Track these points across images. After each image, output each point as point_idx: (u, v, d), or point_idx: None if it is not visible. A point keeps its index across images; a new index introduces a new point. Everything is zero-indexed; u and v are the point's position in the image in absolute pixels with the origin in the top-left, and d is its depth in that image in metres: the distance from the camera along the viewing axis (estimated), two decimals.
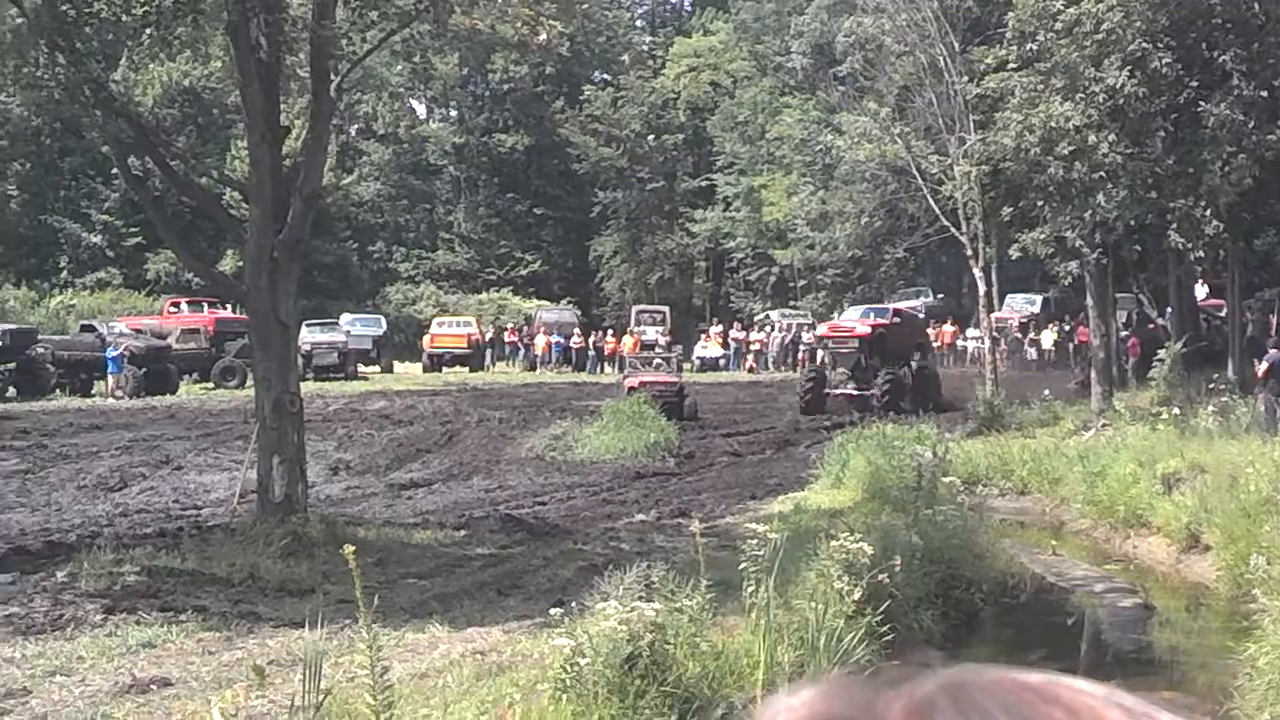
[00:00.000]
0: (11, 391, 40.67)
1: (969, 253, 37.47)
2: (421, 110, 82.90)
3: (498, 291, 73.30)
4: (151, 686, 10.30)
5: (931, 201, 39.01)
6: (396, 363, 58.73)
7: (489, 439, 31.43)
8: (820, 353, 43.71)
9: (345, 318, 56.92)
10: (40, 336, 44.64)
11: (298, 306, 19.49)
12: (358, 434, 32.14)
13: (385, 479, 25.82)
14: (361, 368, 53.60)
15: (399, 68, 24.16)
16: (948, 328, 55.00)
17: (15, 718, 9.47)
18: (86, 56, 18.58)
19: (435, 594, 14.37)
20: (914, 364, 40.56)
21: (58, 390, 42.55)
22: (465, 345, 58.84)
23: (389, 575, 14.84)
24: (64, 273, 65.80)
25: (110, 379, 42.75)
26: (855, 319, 43.13)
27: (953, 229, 37.85)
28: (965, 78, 36.80)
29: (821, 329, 45.40)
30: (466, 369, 56.67)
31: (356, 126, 75.65)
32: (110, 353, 42.99)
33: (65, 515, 20.41)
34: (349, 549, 8.23)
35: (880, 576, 12.16)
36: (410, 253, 77.04)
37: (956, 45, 37.79)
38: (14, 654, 11.35)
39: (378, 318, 61.08)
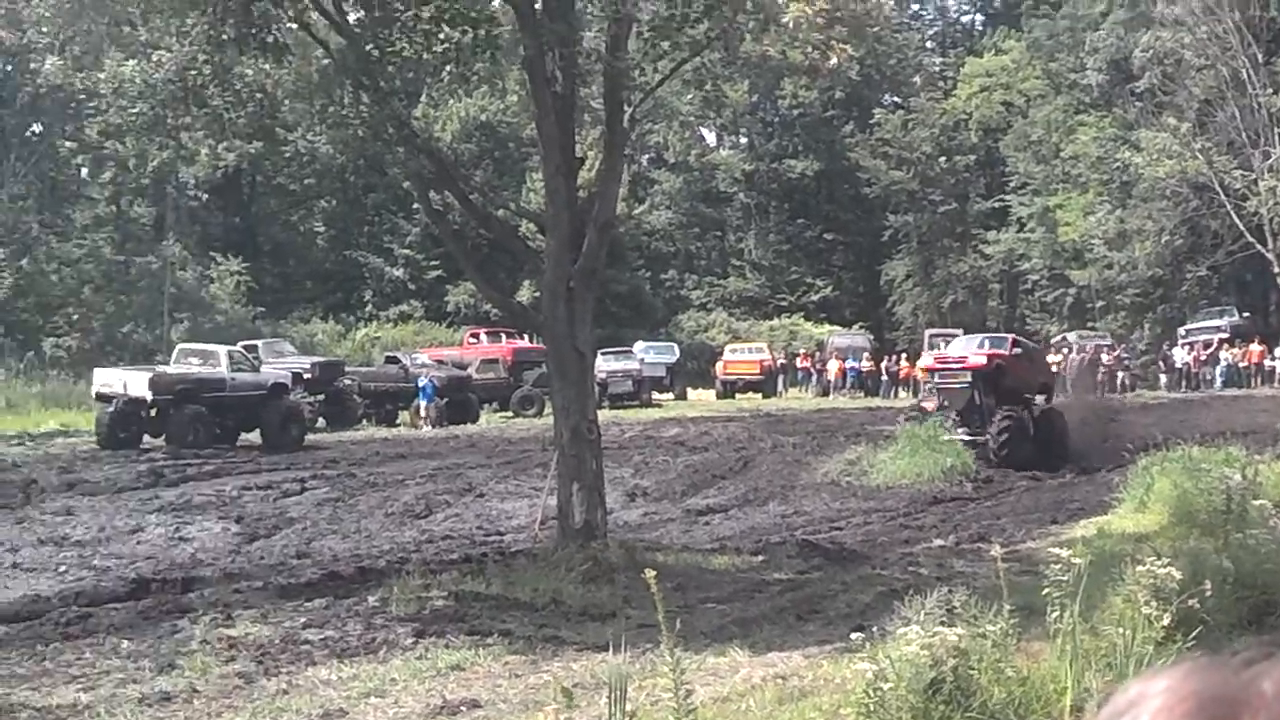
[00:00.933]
0: (321, 422, 42.08)
1: (1276, 269, 36.18)
2: (712, 138, 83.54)
3: (789, 317, 73.35)
4: (461, 708, 10.53)
5: (1235, 218, 37.86)
6: (690, 389, 59.17)
7: (783, 464, 31.41)
8: (924, 390, 39.34)
9: (639, 346, 57.52)
10: (347, 369, 46.17)
11: (593, 335, 19.75)
12: (653, 460, 32.42)
13: (681, 505, 25.97)
14: (656, 395, 54.14)
15: (689, 96, 24.33)
16: (1255, 347, 53.11)
17: None
18: (389, 94, 19.13)
19: (734, 618, 14.38)
20: (1036, 407, 34.89)
21: (364, 420, 43.93)
22: (758, 371, 59.06)
23: (688, 600, 14.90)
24: (368, 306, 67.97)
25: (421, 406, 43.97)
26: (968, 348, 36.67)
27: (1258, 245, 36.60)
28: (1270, 90, 35.60)
29: (926, 359, 39.54)
30: (759, 395, 56.82)
31: (648, 156, 76.60)
32: (422, 382, 44.26)
33: (374, 541, 21.04)
34: (650, 574, 8.29)
35: (1190, 602, 11.78)
36: (702, 280, 77.57)
37: (1260, 57, 36.62)
38: (330, 675, 11.71)
39: (671, 345, 61.61)
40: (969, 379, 33.43)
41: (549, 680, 11.28)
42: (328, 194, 72.15)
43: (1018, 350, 36.33)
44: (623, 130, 19.39)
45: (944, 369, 35.11)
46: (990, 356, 34.15)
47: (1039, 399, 35.64)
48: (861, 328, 69.81)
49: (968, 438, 32.09)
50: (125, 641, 13.11)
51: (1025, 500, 26.36)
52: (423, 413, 43.81)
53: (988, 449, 31.65)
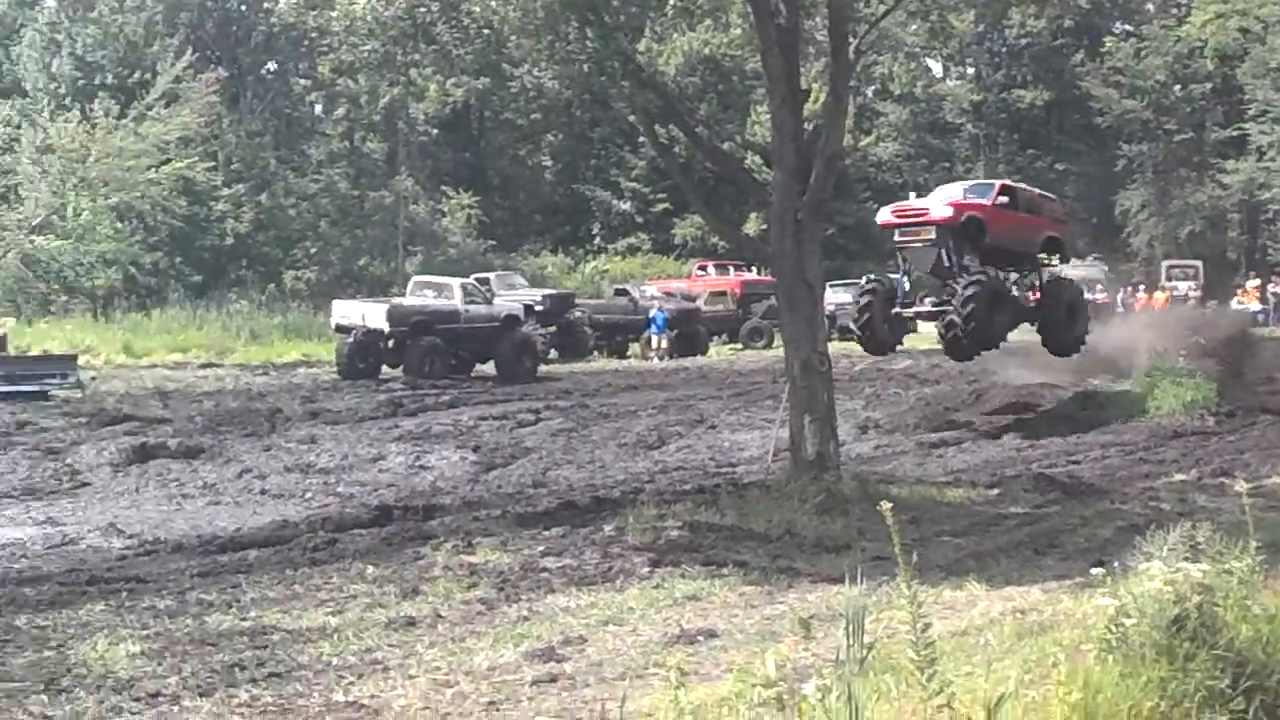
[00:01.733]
0: (553, 354, 42.60)
1: None
2: (938, 69, 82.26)
3: None
4: (699, 637, 10.63)
5: None
6: (920, 323, 58.51)
7: (1017, 397, 30.95)
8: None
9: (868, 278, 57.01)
10: (577, 301, 46.64)
11: (822, 267, 19.65)
12: (884, 393, 32.23)
13: (914, 437, 25.78)
14: None
15: (914, 27, 23.96)
16: None
17: (574, 664, 9.93)
18: (614, 30, 19.18)
19: (970, 552, 14.27)
20: (1046, 271, 28.94)
21: (595, 352, 44.37)
22: None
23: (923, 533, 14.82)
24: (596, 239, 68.47)
25: (653, 339, 44.27)
26: (937, 197, 29.81)
27: None
28: None
29: (884, 214, 29.53)
30: None
31: (873, 88, 75.73)
32: (653, 313, 44.55)
33: (609, 471, 21.27)
34: (886, 506, 8.27)
35: None
36: None
37: None
38: (569, 604, 11.90)
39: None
40: (933, 236, 27.29)
41: (785, 611, 11.33)
42: (555, 128, 72.72)
43: (1004, 199, 28.98)
44: (848, 62, 19.18)
45: (904, 223, 28.29)
46: (958, 208, 27.67)
47: (1054, 262, 30.27)
48: (1095, 259, 68.34)
49: (935, 309, 27.33)
50: (370, 567, 13.45)
51: (1270, 434, 25.60)
52: (654, 344, 44.10)
53: (953, 324, 26.16)
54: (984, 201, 28.19)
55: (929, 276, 28.02)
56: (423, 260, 58.96)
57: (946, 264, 27.19)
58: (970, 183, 32.76)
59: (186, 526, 16.19)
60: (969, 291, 25.83)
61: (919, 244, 27.52)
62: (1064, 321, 27.59)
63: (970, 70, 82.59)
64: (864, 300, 27.42)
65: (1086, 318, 28.44)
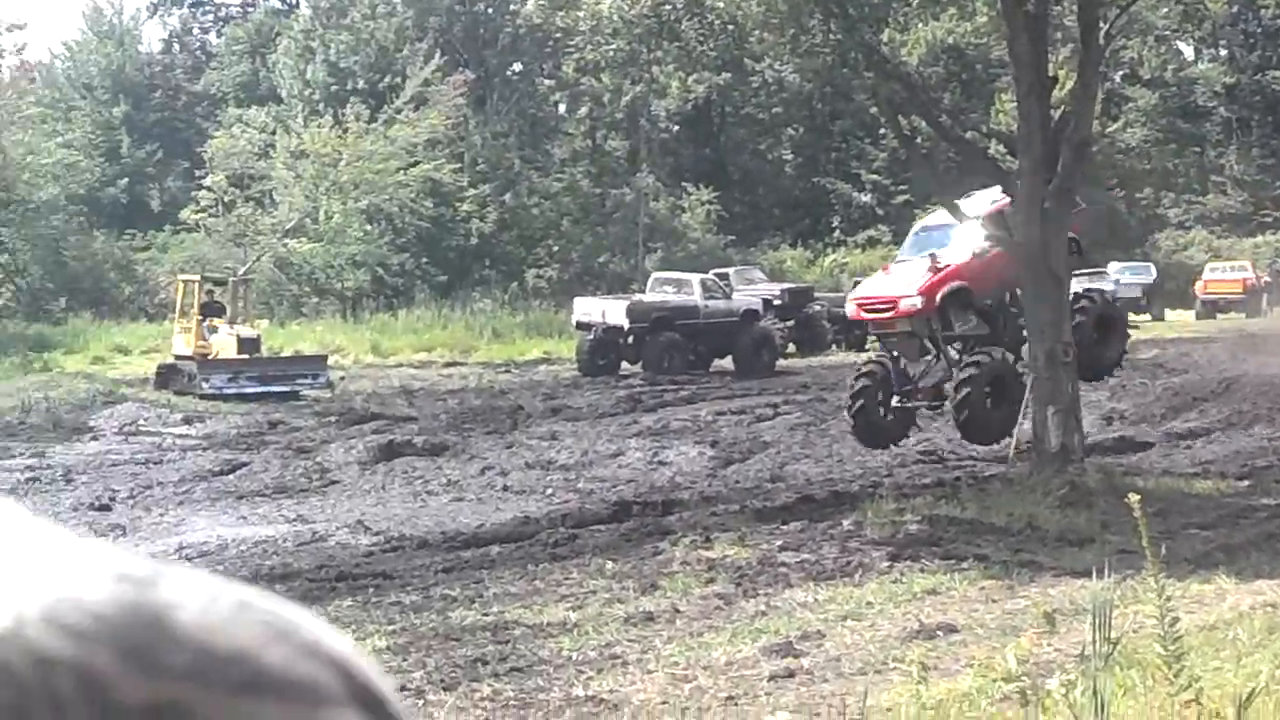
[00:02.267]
0: (791, 348, 42.47)
1: None
2: (1189, 52, 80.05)
3: (1274, 234, 69.87)
4: (938, 632, 10.54)
5: None
6: (1168, 310, 57.25)
7: (1269, 386, 29.97)
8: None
9: (1113, 266, 55.79)
10: (816, 294, 46.45)
11: (1069, 257, 19.31)
12: (1130, 383, 31.45)
13: (1160, 428, 25.16)
14: (1132, 316, 52.49)
15: (1165, 10, 23.42)
16: None
17: (812, 659, 9.90)
18: (858, 21, 19.10)
19: (1219, 545, 13.90)
20: (1086, 297, 22.81)
21: (834, 346, 44.13)
22: (1240, 290, 56.63)
23: (1170, 526, 14.44)
24: (836, 232, 68.04)
25: None
26: (899, 278, 22.81)
27: None
28: None
29: (850, 306, 24.91)
30: (1242, 314, 54.47)
31: (1121, 72, 74.03)
32: None
33: (846, 466, 21.14)
34: (1133, 498, 8.08)
35: None
36: (1179, 198, 74.61)
37: None
38: (808, 598, 11.89)
39: (1147, 265, 59.65)
40: (908, 328, 22.22)
41: (1026, 605, 11.17)
42: (795, 122, 72.49)
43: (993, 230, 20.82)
44: (1098, 47, 18.84)
45: (873, 318, 23.53)
46: (929, 292, 21.50)
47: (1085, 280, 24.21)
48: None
49: (928, 401, 22.30)
50: (610, 562, 13.59)
51: None
52: None
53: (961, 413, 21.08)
54: (965, 259, 21.60)
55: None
56: (663, 256, 59.27)
57: (933, 352, 22.54)
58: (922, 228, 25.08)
59: (431, 523, 16.52)
60: (964, 375, 21.05)
61: (895, 336, 22.93)
62: (1093, 342, 22.06)
63: (1223, 52, 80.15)
64: (858, 385, 22.02)
65: (1124, 334, 24.42)
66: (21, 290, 57.79)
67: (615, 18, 18.25)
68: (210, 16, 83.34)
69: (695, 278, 40.06)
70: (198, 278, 37.45)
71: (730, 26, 20.56)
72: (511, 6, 62.07)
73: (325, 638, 0.48)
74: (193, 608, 0.41)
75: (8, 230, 57.71)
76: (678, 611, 11.54)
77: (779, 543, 14.29)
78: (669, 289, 39.85)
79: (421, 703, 9.17)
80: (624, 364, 37.27)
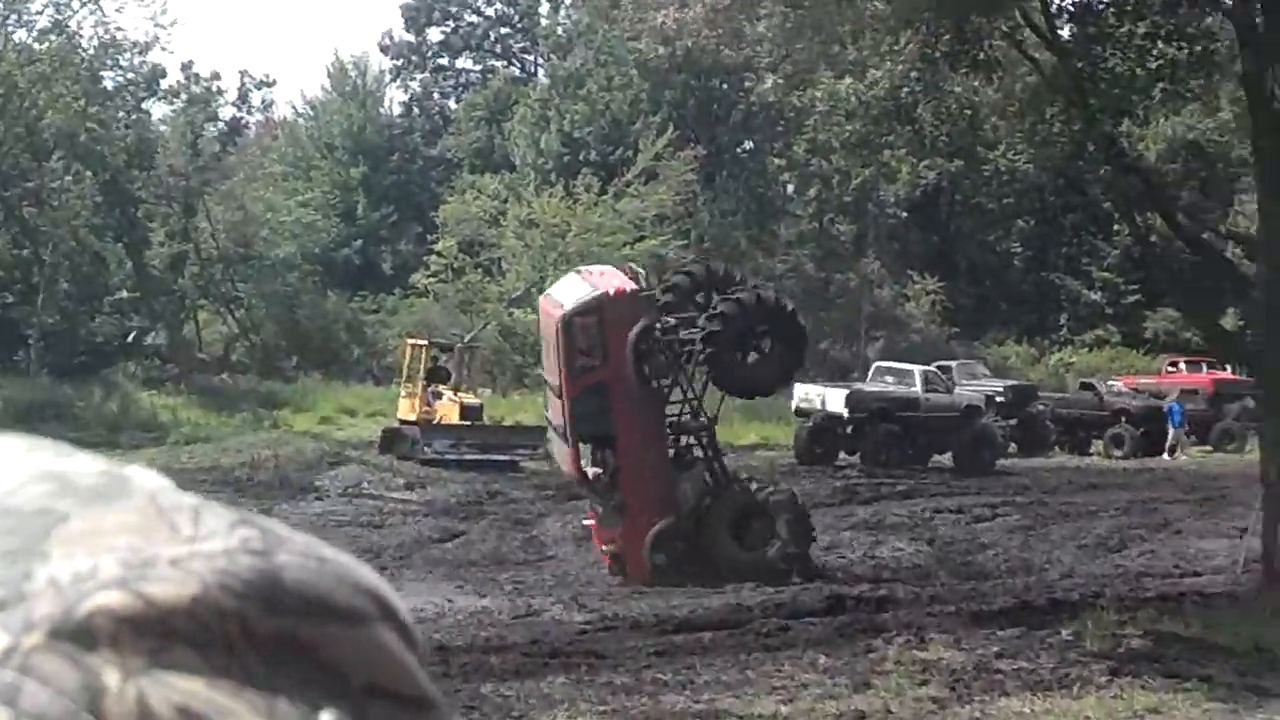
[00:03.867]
0: (1012, 447, 41.79)
1: None
2: None
3: None
4: None
5: None
6: None
7: None
8: None
9: None
10: (1040, 393, 45.73)
11: None
12: None
13: None
14: None
15: None
16: None
17: None
18: (1098, 112, 18.86)
19: None
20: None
21: (1056, 448, 43.37)
22: None
23: None
24: (1063, 330, 66.97)
25: (1171, 432, 43.01)
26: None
27: None
28: None
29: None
30: None
31: None
32: (1174, 405, 43.32)
33: (1067, 573, 20.71)
34: None
35: None
36: None
37: None
38: (1023, 708, 11.67)
39: None
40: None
41: None
42: (1026, 213, 71.59)
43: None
44: None
45: None
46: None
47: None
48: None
49: None
50: (822, 656, 13.49)
51: None
52: (1170, 439, 42.74)
53: None
54: None
55: None
56: (884, 345, 58.82)
57: None
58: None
59: (644, 605, 16.56)
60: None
61: None
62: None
63: None
64: None
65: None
66: (255, 347, 59.40)
67: (852, 99, 18.24)
68: (450, 82, 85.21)
69: (917, 369, 39.71)
70: (425, 342, 38.13)
71: (967, 112, 20.44)
72: (746, 84, 62.42)
73: (365, 574, 0.65)
74: (294, 567, 0.63)
75: (245, 286, 59.42)
76: (889, 712, 11.42)
77: (995, 648, 14.05)
78: (890, 379, 39.57)
79: None
80: (841, 454, 37.06)
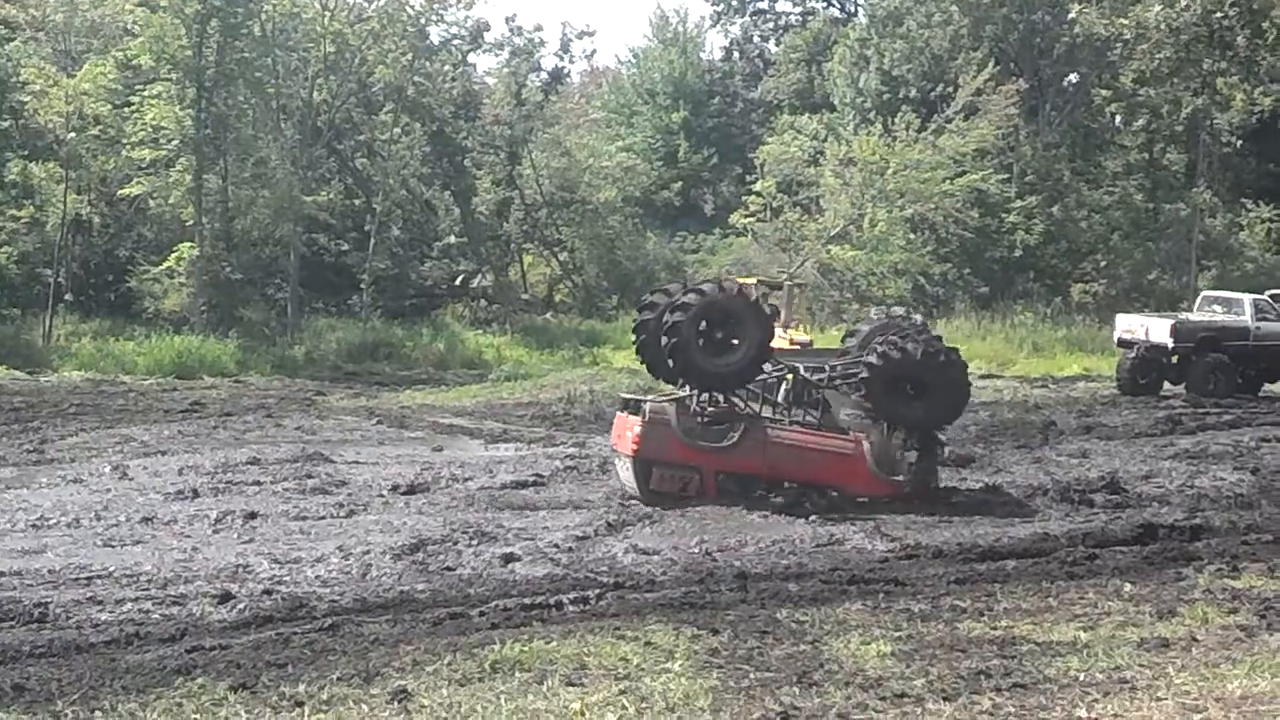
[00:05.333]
0: None
1: None
2: None
3: None
4: None
5: None
6: None
7: None
8: None
9: None
10: None
11: None
12: None
13: None
14: None
15: None
16: None
17: None
18: None
19: None
20: None
21: None
22: None
23: None
24: None
25: None
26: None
27: None
28: None
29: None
30: None
31: None
32: None
33: None
34: None
35: None
36: None
37: None
38: None
39: None
40: None
41: None
42: None
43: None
44: None
45: None
46: None
47: None
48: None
49: None
50: (1128, 585, 13.26)
51: None
52: None
53: None
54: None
55: None
56: (1217, 275, 56.98)
57: None
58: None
59: (949, 534, 16.45)
60: None
61: None
62: None
63: None
64: None
65: None
66: (578, 287, 60.68)
67: (1163, 26, 17.47)
68: (770, 25, 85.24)
69: (1247, 298, 38.31)
70: (754, 280, 38.35)
71: None
72: (1070, 15, 60.88)
73: None
74: None
75: (567, 229, 60.72)
76: (1194, 640, 11.17)
77: None
78: (1218, 308, 38.33)
79: (920, 710, 9.20)
80: (1166, 384, 36.14)
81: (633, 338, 19.86)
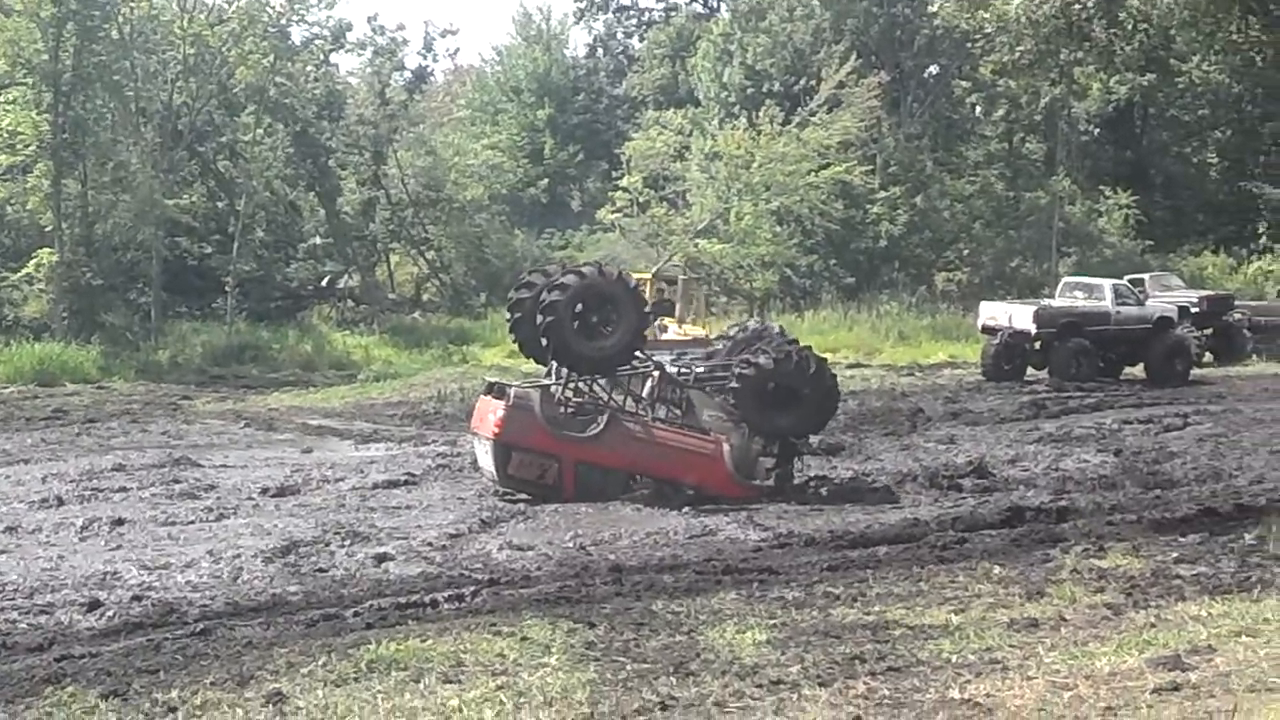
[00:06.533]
0: (1208, 357, 41.10)
1: None
2: None
3: None
4: None
5: None
6: None
7: None
8: None
9: None
10: (1237, 303, 44.75)
11: None
12: None
13: None
14: None
15: None
16: None
17: (1200, 674, 9.59)
18: None
19: None
20: None
21: (1254, 356, 42.48)
22: None
23: None
24: (1262, 238, 65.21)
25: None
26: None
27: None
28: None
29: None
30: None
31: None
32: None
33: (1256, 479, 20.15)
34: None
35: None
36: None
37: None
38: (1199, 612, 11.50)
39: None
40: None
41: None
42: (1222, 124, 69.88)
43: None
44: None
45: None
46: None
47: None
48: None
49: None
50: (997, 567, 13.44)
51: None
52: None
53: None
54: None
55: None
56: (1077, 261, 57.96)
57: None
58: None
59: (821, 522, 16.59)
60: None
61: None
62: None
63: None
64: None
65: None
66: (446, 286, 60.46)
67: (1023, 19, 17.76)
68: (634, 21, 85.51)
69: (1107, 283, 39.01)
70: (649, 276, 38.35)
71: (1144, 25, 19.97)
72: (929, 8, 61.60)
73: None
74: None
75: (435, 228, 60.48)
76: (1063, 619, 11.34)
77: (1175, 555, 13.89)
78: (1079, 294, 38.98)
79: (796, 697, 9.26)
80: (1030, 370, 36.68)
81: (507, 315, 19.81)
